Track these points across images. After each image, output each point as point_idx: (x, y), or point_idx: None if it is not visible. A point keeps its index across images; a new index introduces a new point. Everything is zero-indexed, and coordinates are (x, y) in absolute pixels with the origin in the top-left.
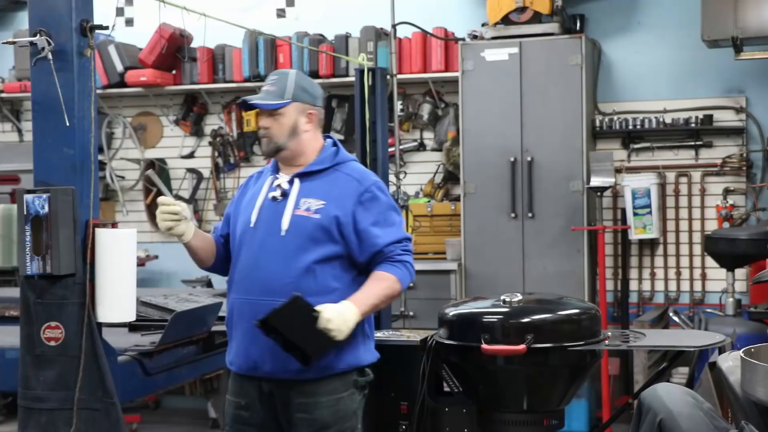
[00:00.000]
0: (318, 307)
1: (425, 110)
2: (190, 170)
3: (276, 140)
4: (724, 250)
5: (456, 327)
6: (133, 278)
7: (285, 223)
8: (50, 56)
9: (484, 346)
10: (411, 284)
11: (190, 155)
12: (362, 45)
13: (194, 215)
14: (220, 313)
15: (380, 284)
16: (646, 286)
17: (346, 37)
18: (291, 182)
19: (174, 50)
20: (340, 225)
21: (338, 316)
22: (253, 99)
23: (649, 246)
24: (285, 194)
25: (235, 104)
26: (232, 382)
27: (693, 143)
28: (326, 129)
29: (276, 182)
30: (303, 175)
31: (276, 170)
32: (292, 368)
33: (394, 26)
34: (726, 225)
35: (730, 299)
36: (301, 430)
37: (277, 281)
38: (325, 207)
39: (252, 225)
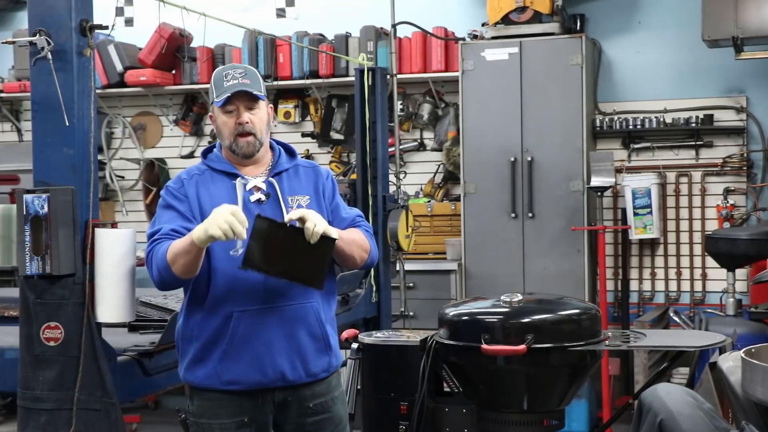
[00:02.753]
0: (287, 217)
1: (425, 110)
2: None
3: (259, 137)
4: (725, 250)
5: (456, 327)
6: (133, 278)
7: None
8: (50, 56)
9: (484, 346)
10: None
11: (190, 155)
12: (362, 45)
13: None
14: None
15: (353, 233)
16: (647, 286)
17: (346, 37)
18: (268, 182)
19: (174, 50)
20: (328, 215)
21: (309, 210)
22: (244, 89)
23: (649, 246)
24: (267, 196)
25: (226, 95)
26: (222, 403)
27: (693, 143)
28: (326, 129)
29: (250, 185)
30: (276, 174)
31: (231, 173)
32: (315, 371)
33: (394, 26)
34: (726, 225)
35: (731, 299)
36: None
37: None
38: (312, 201)
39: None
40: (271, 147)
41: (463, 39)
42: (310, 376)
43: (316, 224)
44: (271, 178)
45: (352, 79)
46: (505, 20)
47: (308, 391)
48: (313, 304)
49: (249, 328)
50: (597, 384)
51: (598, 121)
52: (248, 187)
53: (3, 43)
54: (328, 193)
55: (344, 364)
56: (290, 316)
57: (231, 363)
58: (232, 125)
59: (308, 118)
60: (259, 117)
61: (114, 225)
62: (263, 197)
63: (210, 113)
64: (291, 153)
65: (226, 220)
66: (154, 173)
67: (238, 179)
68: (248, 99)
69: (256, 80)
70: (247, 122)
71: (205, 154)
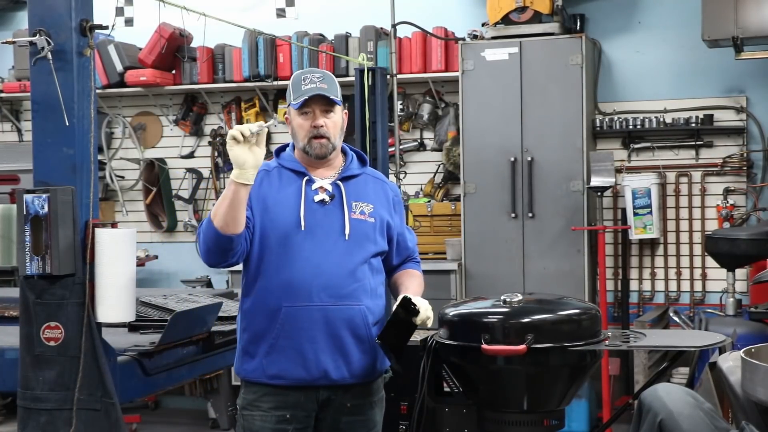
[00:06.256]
0: (415, 301)
1: (425, 110)
2: (190, 170)
3: (332, 140)
4: (725, 250)
5: (456, 327)
6: (133, 278)
7: (347, 227)
8: (50, 56)
9: (485, 346)
10: None
11: (190, 155)
12: (362, 45)
13: (194, 215)
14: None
15: (418, 280)
16: (647, 286)
17: (346, 37)
18: (334, 185)
19: (174, 50)
20: (389, 228)
21: (430, 308)
22: (321, 92)
23: (649, 246)
24: (332, 197)
25: (303, 98)
26: (266, 396)
27: (693, 143)
28: None
29: (316, 185)
30: (344, 179)
31: (299, 171)
32: (360, 373)
33: (394, 26)
34: (726, 225)
35: (731, 299)
36: None
37: (346, 286)
38: (375, 210)
39: (303, 228)
40: (345, 152)
41: (463, 39)
42: (354, 377)
43: (429, 317)
44: (338, 181)
45: (352, 79)
46: (505, 20)
47: (350, 391)
48: (361, 307)
49: (295, 324)
50: (597, 384)
51: (598, 121)
52: (314, 187)
53: (3, 43)
54: (399, 212)
55: (388, 371)
56: (337, 316)
57: (276, 357)
58: (307, 127)
59: None
60: (334, 121)
61: (114, 225)
62: (327, 198)
63: (286, 115)
64: (362, 160)
65: (232, 134)
66: (154, 173)
67: (303, 178)
68: (324, 103)
69: (333, 85)
70: (322, 125)
71: (278, 152)
